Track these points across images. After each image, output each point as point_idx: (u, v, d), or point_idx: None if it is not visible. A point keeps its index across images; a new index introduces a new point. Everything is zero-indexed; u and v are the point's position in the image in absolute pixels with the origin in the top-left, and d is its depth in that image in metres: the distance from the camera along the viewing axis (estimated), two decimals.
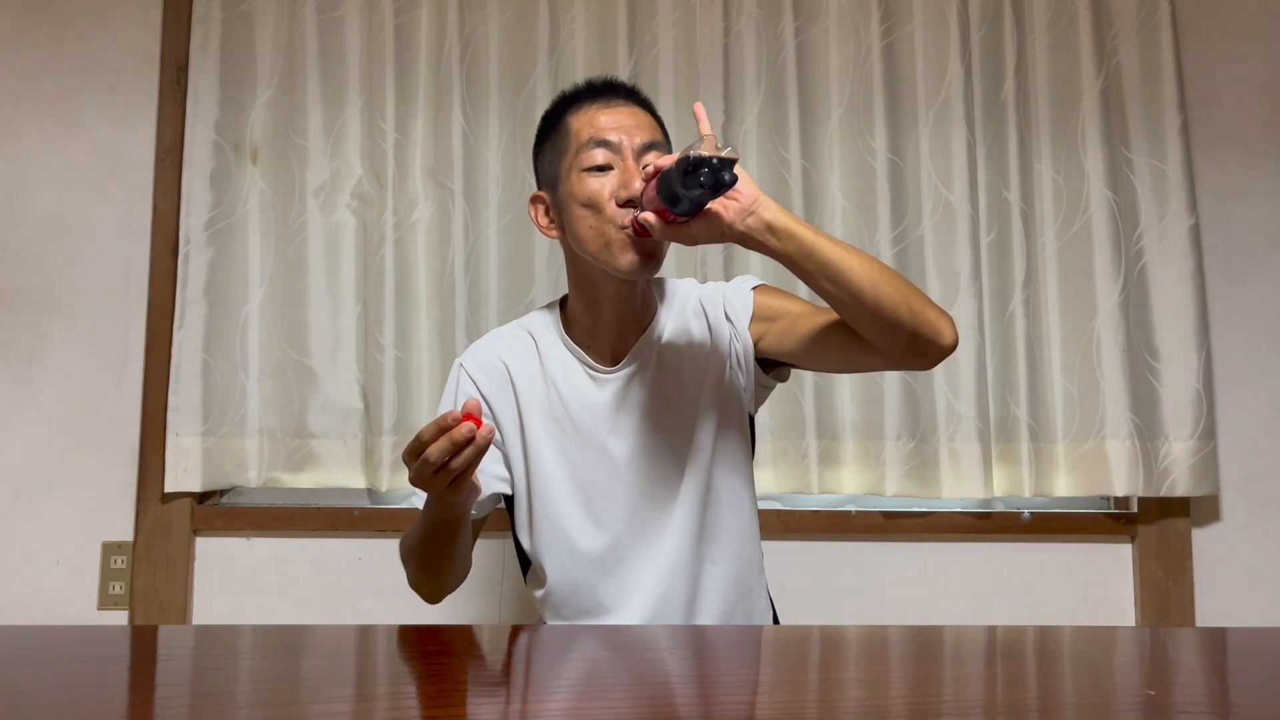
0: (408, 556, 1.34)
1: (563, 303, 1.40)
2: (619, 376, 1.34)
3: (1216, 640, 1.13)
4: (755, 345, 1.34)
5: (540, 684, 0.88)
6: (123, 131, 2.05)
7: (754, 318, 1.34)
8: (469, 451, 1.07)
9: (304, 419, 1.98)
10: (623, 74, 1.97)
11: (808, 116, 1.99)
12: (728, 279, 1.60)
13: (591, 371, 1.35)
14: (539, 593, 1.40)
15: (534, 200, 1.34)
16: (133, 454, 2.00)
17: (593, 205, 1.24)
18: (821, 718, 0.76)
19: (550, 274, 1.97)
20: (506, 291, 1.98)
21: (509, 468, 1.38)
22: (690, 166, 1.07)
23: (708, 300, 1.37)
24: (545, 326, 1.38)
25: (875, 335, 1.17)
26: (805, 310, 1.31)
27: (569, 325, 1.37)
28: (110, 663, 0.93)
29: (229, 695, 0.82)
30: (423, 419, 1.94)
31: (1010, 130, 1.97)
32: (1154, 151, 1.96)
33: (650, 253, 1.24)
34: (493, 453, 1.35)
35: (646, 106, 1.31)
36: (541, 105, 1.99)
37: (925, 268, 1.95)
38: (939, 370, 1.93)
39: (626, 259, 1.23)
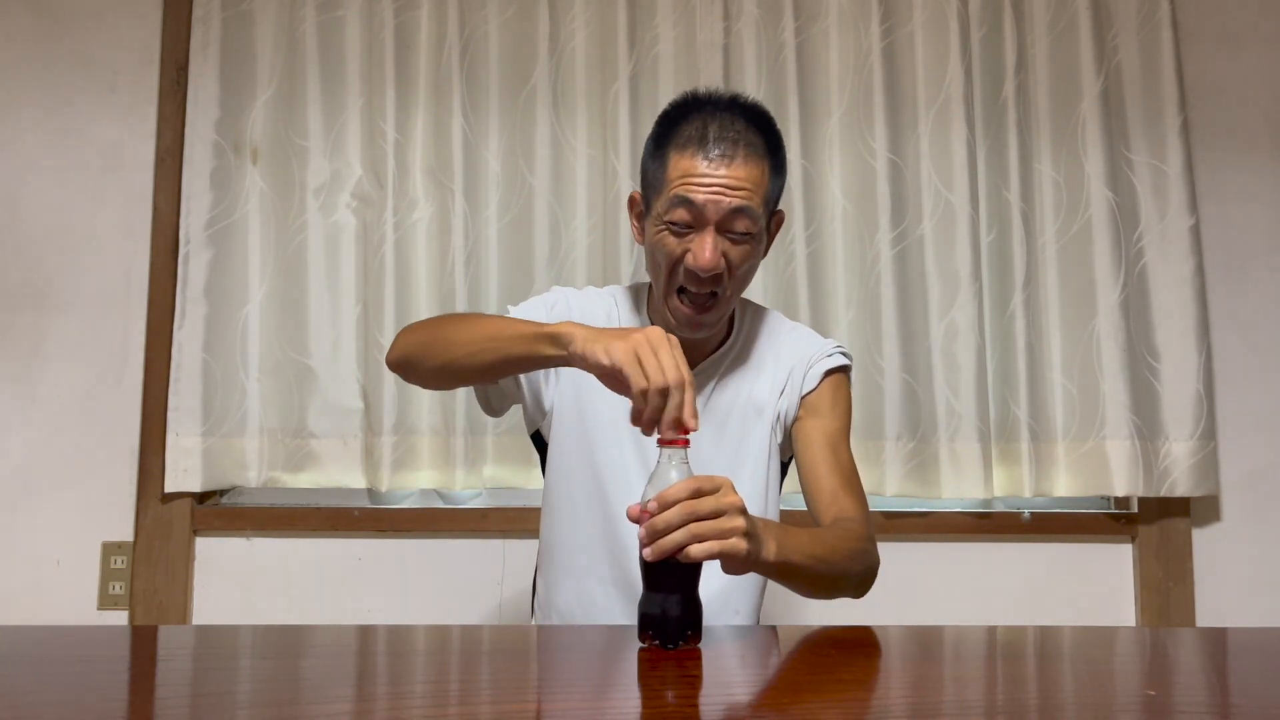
0: (437, 336, 1.22)
1: (649, 288, 1.37)
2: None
3: (1216, 640, 1.13)
4: (789, 428, 1.34)
5: (540, 684, 0.88)
6: (123, 131, 2.05)
7: (804, 399, 1.32)
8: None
9: (304, 419, 1.98)
10: (622, 74, 1.97)
11: (808, 117, 1.99)
12: (813, 315, 1.85)
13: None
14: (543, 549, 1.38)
15: (632, 201, 1.33)
16: (133, 454, 2.00)
17: (661, 262, 1.24)
18: (822, 718, 0.76)
19: (550, 274, 1.97)
20: (506, 292, 1.98)
21: (551, 409, 1.33)
22: (641, 622, 0.98)
23: (788, 343, 1.36)
24: (630, 304, 1.38)
25: None
26: (825, 451, 1.29)
27: (651, 309, 1.35)
28: (110, 663, 0.93)
29: (229, 695, 0.82)
30: (423, 419, 1.94)
31: (1010, 130, 1.97)
32: (1154, 151, 1.96)
33: (699, 322, 1.26)
34: (545, 378, 1.32)
35: (759, 154, 1.23)
36: (542, 105, 1.99)
37: (925, 268, 1.95)
38: (939, 370, 1.93)
39: (675, 321, 1.26)
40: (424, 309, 1.96)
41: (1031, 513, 1.97)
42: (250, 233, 2.00)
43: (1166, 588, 1.95)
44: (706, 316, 1.25)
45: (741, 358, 1.35)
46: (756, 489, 1.33)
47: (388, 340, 1.93)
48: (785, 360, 1.34)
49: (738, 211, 1.20)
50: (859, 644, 1.06)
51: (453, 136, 1.97)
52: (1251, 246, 2.02)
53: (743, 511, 0.97)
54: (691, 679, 0.88)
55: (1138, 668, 0.98)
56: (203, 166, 1.98)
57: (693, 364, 1.33)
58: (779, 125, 2.04)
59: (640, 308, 1.37)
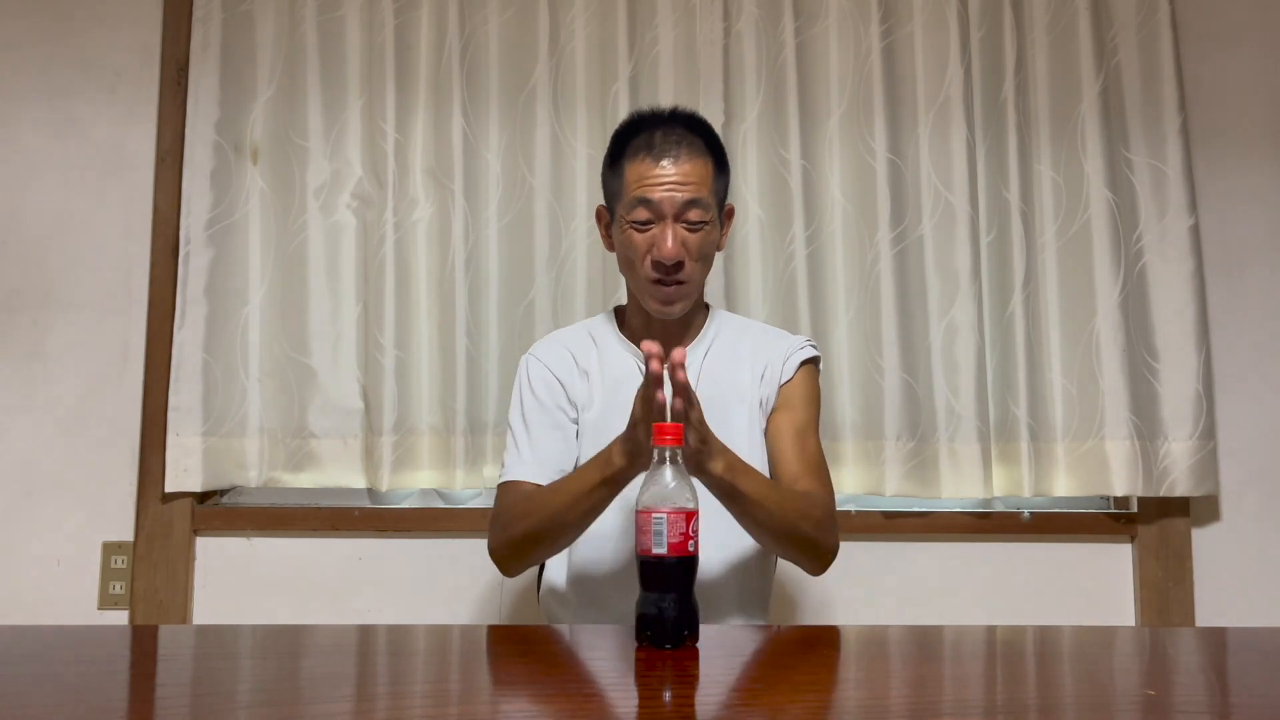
0: (543, 530, 1.31)
1: (619, 310, 1.53)
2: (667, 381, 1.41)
3: (1216, 640, 1.13)
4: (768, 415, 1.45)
5: (539, 683, 0.88)
6: (123, 131, 2.05)
7: (781, 388, 1.44)
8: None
9: (304, 419, 1.98)
10: (622, 74, 1.97)
11: (808, 116, 1.99)
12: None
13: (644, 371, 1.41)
14: (557, 576, 1.46)
15: (599, 215, 1.48)
16: (133, 454, 2.00)
17: (630, 257, 1.39)
18: (822, 718, 0.76)
19: (550, 274, 1.97)
20: (506, 291, 1.98)
21: (580, 428, 1.46)
22: (639, 622, 1.00)
23: (763, 339, 1.49)
24: (603, 329, 1.51)
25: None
26: (793, 440, 1.40)
27: (624, 326, 1.50)
28: (110, 663, 0.93)
29: (229, 695, 0.82)
30: (423, 419, 1.94)
31: (1010, 130, 1.97)
32: (1154, 151, 1.96)
33: (672, 301, 1.39)
34: (569, 433, 1.44)
35: (701, 152, 1.38)
36: (542, 105, 1.99)
37: (925, 268, 1.95)
38: (938, 370, 1.93)
39: (652, 306, 1.40)
40: (424, 309, 1.96)
41: (1031, 513, 1.97)
42: (250, 233, 2.00)
43: (1166, 587, 1.95)
44: (676, 293, 1.39)
45: (720, 351, 1.47)
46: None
47: (388, 340, 1.94)
48: (763, 354, 1.46)
49: (690, 203, 1.35)
50: (858, 644, 1.06)
51: (453, 136, 1.97)
52: (1251, 246, 2.02)
53: (703, 422, 1.14)
54: (689, 679, 0.88)
55: (1137, 668, 0.98)
56: (203, 166, 1.98)
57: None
58: (779, 125, 2.06)
59: (613, 326, 1.50)
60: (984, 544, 1.98)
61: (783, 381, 1.44)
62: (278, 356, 1.98)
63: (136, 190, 2.04)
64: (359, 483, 1.97)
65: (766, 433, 1.43)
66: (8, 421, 2.01)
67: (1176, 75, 1.96)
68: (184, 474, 1.94)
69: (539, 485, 1.37)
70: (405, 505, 2.02)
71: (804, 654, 1.02)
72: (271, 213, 2.00)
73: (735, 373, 1.44)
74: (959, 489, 1.91)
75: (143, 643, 1.05)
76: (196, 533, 2.00)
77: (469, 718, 0.75)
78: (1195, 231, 1.94)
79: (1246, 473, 1.99)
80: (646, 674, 0.89)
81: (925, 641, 1.05)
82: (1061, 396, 1.95)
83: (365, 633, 1.10)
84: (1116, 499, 2.00)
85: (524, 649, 1.01)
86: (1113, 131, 1.97)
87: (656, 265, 1.36)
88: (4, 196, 2.04)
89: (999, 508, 1.98)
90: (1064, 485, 1.94)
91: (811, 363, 1.47)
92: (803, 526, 1.28)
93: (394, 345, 1.94)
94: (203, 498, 2.01)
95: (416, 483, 1.96)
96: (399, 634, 1.09)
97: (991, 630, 1.17)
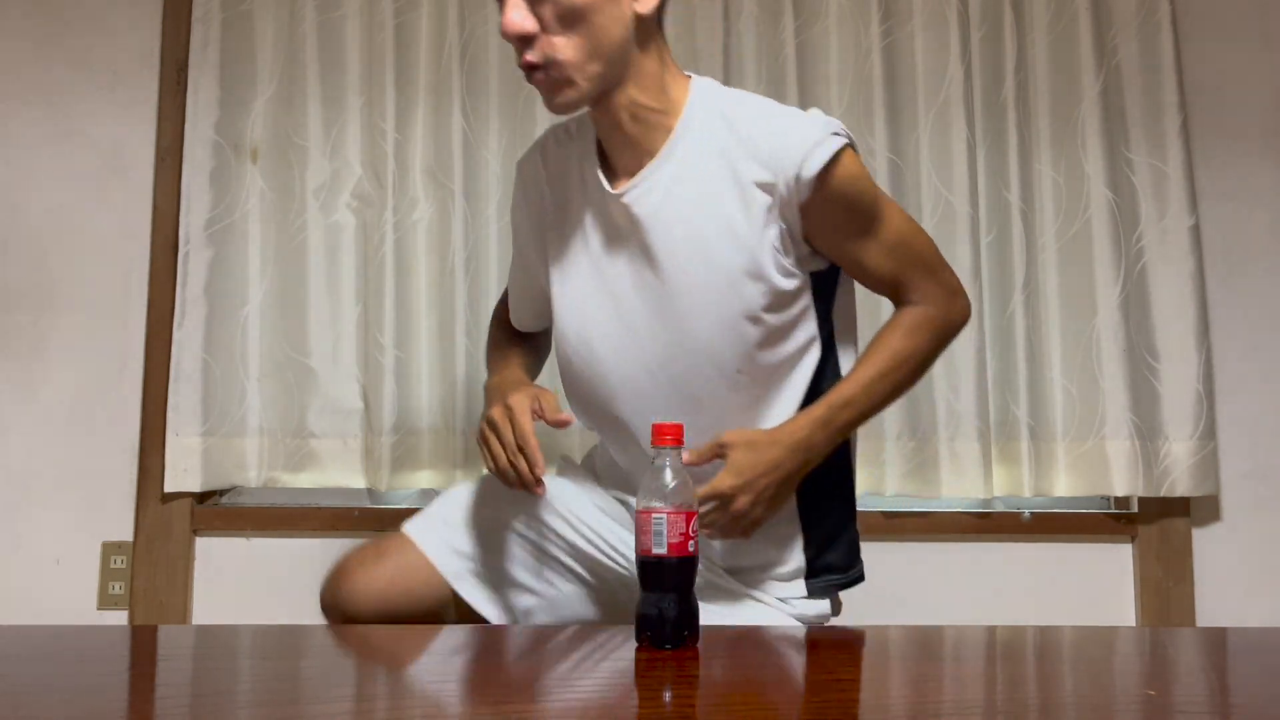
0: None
1: None
2: (622, 203, 1.16)
3: (1216, 640, 1.13)
4: (805, 239, 1.16)
5: (539, 683, 0.88)
6: (123, 131, 2.05)
7: (804, 211, 1.12)
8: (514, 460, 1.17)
9: (304, 419, 1.98)
10: None
11: None
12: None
13: (604, 187, 1.18)
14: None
15: None
16: (133, 454, 2.00)
17: None
18: (821, 718, 0.76)
19: None
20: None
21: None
22: (639, 622, 0.98)
23: (754, 145, 1.12)
24: (587, 135, 1.23)
25: None
26: (859, 248, 1.20)
27: None
28: (110, 663, 0.93)
29: (229, 695, 0.82)
30: (423, 419, 1.94)
31: (1010, 130, 1.97)
32: (1154, 151, 1.96)
33: (548, 95, 1.10)
34: (531, 266, 1.32)
35: None
36: (542, 105, 1.98)
37: None
38: (939, 370, 1.92)
39: (542, 99, 1.14)
40: (424, 309, 1.96)
41: (1031, 512, 1.97)
42: (250, 233, 2.00)
43: (1166, 588, 1.95)
44: (546, 82, 1.08)
45: (691, 169, 1.13)
46: (743, 342, 1.15)
47: (388, 340, 1.94)
48: (759, 172, 1.12)
49: None
50: (858, 644, 1.06)
51: (453, 136, 1.97)
52: (1251, 246, 2.02)
53: (746, 512, 1.14)
54: (689, 679, 0.88)
55: (1138, 668, 0.98)
56: (203, 166, 1.98)
57: (635, 168, 1.17)
58: None
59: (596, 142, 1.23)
60: (984, 544, 1.98)
61: (802, 203, 1.11)
62: (277, 356, 1.98)
63: (136, 190, 2.04)
64: (359, 483, 1.97)
65: (827, 253, 1.19)
66: (8, 421, 2.01)
67: (1177, 75, 1.96)
68: (184, 474, 1.94)
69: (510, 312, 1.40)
70: (405, 505, 2.02)
71: (803, 654, 1.02)
72: (271, 212, 2.00)
73: (720, 201, 1.12)
74: (959, 489, 1.91)
75: (143, 643, 1.05)
76: (196, 533, 2.00)
77: (469, 718, 0.75)
78: (1195, 231, 1.94)
79: (1246, 473, 1.99)
80: (646, 674, 0.88)
81: (925, 641, 1.05)
82: (1062, 396, 1.95)
83: (365, 633, 1.10)
84: (1117, 499, 2.00)
85: (524, 649, 1.01)
86: (1113, 131, 1.97)
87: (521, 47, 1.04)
88: (4, 196, 2.04)
89: (999, 508, 1.98)
90: (1064, 485, 1.94)
91: (833, 163, 1.12)
92: (926, 358, 1.25)
93: (394, 345, 1.94)
94: (202, 498, 2.01)
95: (416, 483, 1.96)
96: (399, 634, 1.09)
97: (991, 630, 1.17)
